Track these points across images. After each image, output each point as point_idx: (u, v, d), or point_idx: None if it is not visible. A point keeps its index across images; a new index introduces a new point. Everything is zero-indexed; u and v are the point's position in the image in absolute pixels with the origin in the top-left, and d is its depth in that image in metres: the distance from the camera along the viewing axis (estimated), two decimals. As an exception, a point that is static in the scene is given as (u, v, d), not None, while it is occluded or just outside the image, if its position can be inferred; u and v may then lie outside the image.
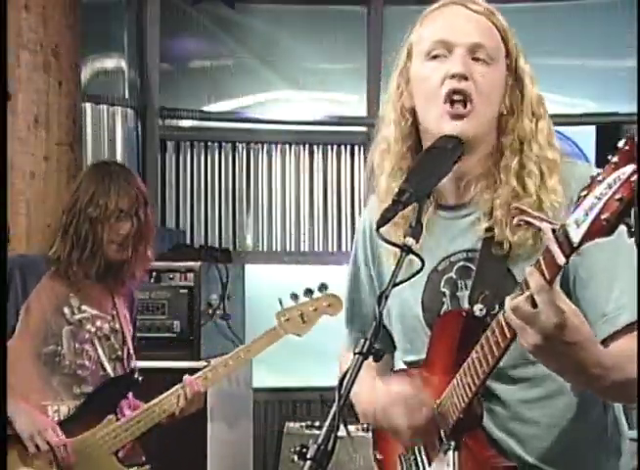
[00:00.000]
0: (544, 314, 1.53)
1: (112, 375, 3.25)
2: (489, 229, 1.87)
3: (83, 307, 3.27)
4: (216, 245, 5.96)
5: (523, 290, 1.56)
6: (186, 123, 6.12)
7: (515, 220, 1.63)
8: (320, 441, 1.51)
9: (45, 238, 4.32)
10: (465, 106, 1.85)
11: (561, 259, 1.47)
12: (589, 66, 6.09)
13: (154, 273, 4.66)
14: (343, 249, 6.01)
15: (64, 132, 4.39)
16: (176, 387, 3.28)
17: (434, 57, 1.89)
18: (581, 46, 6.04)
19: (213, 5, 6.07)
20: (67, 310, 3.24)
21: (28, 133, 4.31)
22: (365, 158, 6.47)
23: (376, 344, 1.59)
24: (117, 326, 3.31)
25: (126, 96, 5.81)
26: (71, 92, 4.42)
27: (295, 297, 3.60)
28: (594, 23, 6.03)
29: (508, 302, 1.58)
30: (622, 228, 1.38)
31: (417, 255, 1.66)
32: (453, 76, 1.85)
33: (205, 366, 3.42)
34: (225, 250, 5.72)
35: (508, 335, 1.64)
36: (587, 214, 1.40)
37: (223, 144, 6.10)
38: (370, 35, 6.13)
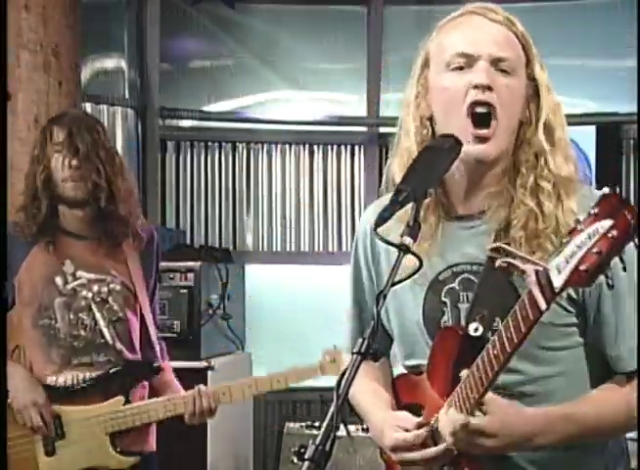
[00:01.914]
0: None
1: (110, 342, 3.16)
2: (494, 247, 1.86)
3: (78, 273, 3.17)
4: (216, 245, 5.96)
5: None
6: (186, 123, 6.12)
7: (497, 263, 1.66)
8: (318, 441, 1.51)
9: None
10: (489, 124, 1.83)
11: (542, 305, 1.49)
12: (589, 66, 6.09)
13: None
14: (344, 249, 6.01)
15: (64, 132, 4.38)
16: (193, 391, 3.18)
17: (456, 68, 1.87)
18: (581, 46, 6.04)
19: (213, 5, 6.07)
20: (59, 280, 3.16)
21: (28, 133, 4.30)
22: (365, 158, 6.49)
23: (374, 344, 1.59)
24: (119, 287, 3.18)
25: (126, 96, 5.81)
26: (71, 92, 4.42)
27: None
28: (594, 23, 6.02)
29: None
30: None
31: (415, 254, 1.66)
32: (476, 87, 1.83)
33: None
34: (225, 250, 5.72)
35: (495, 367, 1.68)
36: (568, 262, 1.44)
37: (223, 144, 6.10)
38: (370, 35, 6.13)
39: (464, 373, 1.75)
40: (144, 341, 3.26)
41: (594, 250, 1.40)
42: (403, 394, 2.09)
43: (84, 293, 3.17)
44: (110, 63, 5.76)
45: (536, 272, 1.49)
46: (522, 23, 1.93)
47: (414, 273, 1.69)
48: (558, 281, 1.45)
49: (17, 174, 4.30)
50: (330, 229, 6.13)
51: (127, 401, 3.16)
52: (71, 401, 3.13)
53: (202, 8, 6.08)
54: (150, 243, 3.30)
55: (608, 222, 1.40)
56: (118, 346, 3.19)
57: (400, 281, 1.65)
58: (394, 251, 1.68)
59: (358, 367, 1.57)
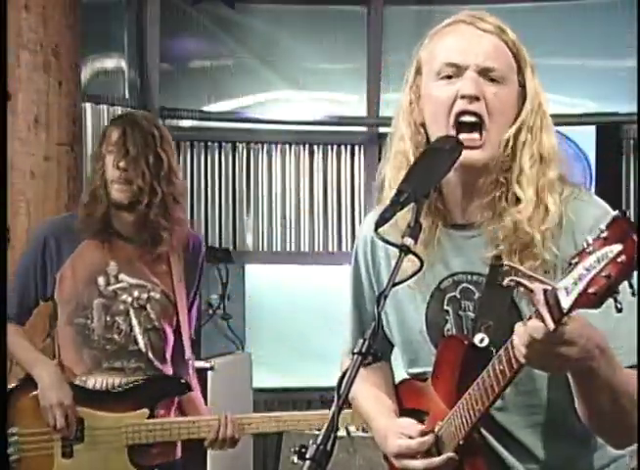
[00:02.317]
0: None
1: (143, 349, 3.13)
2: (497, 257, 1.85)
3: (121, 276, 3.14)
4: (216, 245, 5.97)
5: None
6: (186, 123, 6.12)
7: (505, 282, 1.66)
8: (319, 441, 1.51)
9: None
10: (481, 134, 1.83)
11: (550, 326, 1.49)
12: (589, 66, 6.09)
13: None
14: (344, 249, 6.01)
15: (64, 132, 4.39)
16: (219, 416, 3.13)
17: (445, 77, 1.87)
18: (581, 46, 6.04)
19: (213, 5, 6.07)
20: (101, 281, 3.13)
21: (28, 133, 4.31)
22: (365, 158, 6.47)
23: (374, 344, 1.59)
24: (158, 295, 3.15)
25: (126, 96, 5.81)
26: (71, 92, 4.42)
27: None
28: (594, 23, 6.02)
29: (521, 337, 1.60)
30: None
31: (416, 254, 1.66)
32: (464, 97, 1.84)
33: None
34: (225, 250, 5.72)
35: (507, 374, 1.67)
36: (576, 284, 1.44)
37: (223, 144, 6.10)
38: (370, 35, 6.12)
39: None
40: (176, 353, 3.23)
41: (603, 274, 1.41)
42: (407, 399, 2.09)
43: (124, 297, 3.14)
44: (110, 63, 5.77)
45: (544, 292, 1.49)
46: (515, 28, 1.92)
47: (415, 274, 1.69)
48: (566, 302, 1.45)
49: (17, 174, 4.31)
50: (330, 229, 6.13)
51: (152, 416, 3.12)
52: (97, 406, 3.10)
53: (202, 8, 6.08)
54: (196, 253, 3.27)
55: (617, 247, 1.40)
56: (150, 355, 3.16)
57: (401, 282, 1.65)
58: (395, 256, 1.68)
59: (359, 368, 1.57)
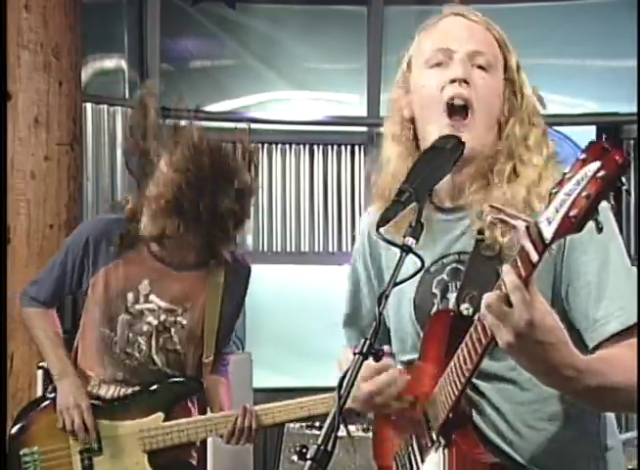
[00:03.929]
0: (517, 312, 1.53)
1: (160, 366, 3.09)
2: (482, 231, 1.87)
3: (151, 297, 3.09)
4: (216, 245, 5.95)
5: (500, 289, 1.56)
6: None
7: (489, 218, 1.64)
8: (320, 441, 1.51)
9: (45, 238, 4.34)
10: (465, 116, 1.86)
11: (534, 257, 1.48)
12: (589, 66, 6.09)
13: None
14: (344, 249, 6.01)
15: (64, 132, 4.40)
16: (236, 411, 3.07)
17: (435, 65, 1.90)
18: (581, 46, 6.04)
19: (214, 5, 6.08)
20: (130, 297, 3.08)
21: (28, 133, 4.31)
22: (365, 157, 6.43)
23: (376, 344, 1.60)
24: (185, 321, 3.10)
25: (126, 96, 5.81)
26: (71, 92, 4.42)
27: None
28: (594, 22, 6.03)
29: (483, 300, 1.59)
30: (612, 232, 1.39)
31: (417, 254, 1.66)
32: (453, 81, 1.86)
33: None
34: (225, 250, 5.71)
35: (488, 333, 1.65)
36: (557, 211, 1.41)
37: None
38: (370, 35, 6.13)
39: None
40: (199, 368, 3.17)
41: (583, 194, 1.37)
42: None
43: (150, 318, 3.10)
44: (110, 63, 5.77)
45: (527, 227, 1.48)
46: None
47: (416, 273, 1.70)
48: (548, 232, 1.43)
49: (17, 174, 4.32)
50: (330, 229, 6.13)
51: (168, 419, 3.08)
52: (111, 415, 3.08)
53: (202, 8, 6.08)
54: (242, 276, 3.29)
55: (596, 164, 1.37)
56: (169, 371, 3.12)
57: (402, 281, 1.66)
58: (394, 252, 1.68)
59: (360, 368, 1.57)
